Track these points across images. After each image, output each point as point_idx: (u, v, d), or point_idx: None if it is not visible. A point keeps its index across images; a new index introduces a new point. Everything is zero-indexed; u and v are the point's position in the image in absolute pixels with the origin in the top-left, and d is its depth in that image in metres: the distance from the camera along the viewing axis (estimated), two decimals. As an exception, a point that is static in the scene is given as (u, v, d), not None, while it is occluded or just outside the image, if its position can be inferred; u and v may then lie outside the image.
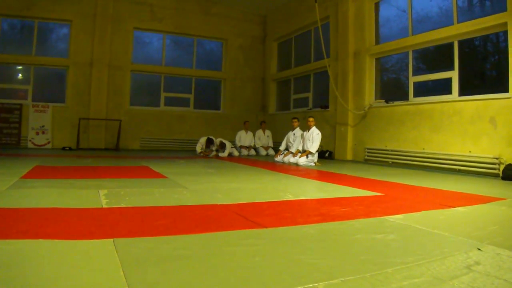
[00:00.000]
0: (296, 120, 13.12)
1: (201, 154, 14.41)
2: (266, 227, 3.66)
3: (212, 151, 14.47)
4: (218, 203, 4.81)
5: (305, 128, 12.25)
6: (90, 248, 2.84)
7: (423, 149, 11.47)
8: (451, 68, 11.12)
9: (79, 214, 3.97)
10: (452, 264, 2.72)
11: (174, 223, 3.72)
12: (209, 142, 14.57)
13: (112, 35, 16.84)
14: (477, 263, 2.74)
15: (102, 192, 5.19)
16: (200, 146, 14.67)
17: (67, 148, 15.35)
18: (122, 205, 4.45)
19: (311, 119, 12.10)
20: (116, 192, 5.28)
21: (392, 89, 13.55)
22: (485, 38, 10.64)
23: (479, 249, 3.09)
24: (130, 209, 4.30)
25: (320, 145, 12.32)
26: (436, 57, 12.21)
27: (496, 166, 9.38)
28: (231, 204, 4.81)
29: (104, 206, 4.40)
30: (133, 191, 5.47)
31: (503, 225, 4.09)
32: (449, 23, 11.22)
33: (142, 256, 2.68)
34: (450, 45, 11.23)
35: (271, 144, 16.67)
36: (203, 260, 2.66)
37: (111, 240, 3.01)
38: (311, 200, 5.45)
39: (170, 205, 4.60)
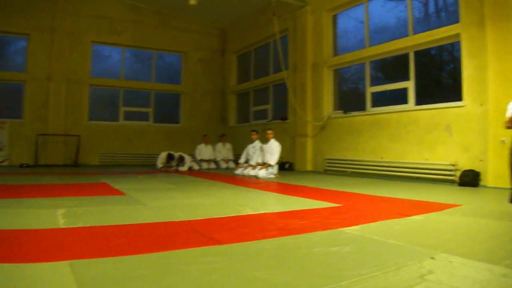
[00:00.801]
0: (254, 133, 13.14)
1: (162, 169, 14.30)
2: (224, 243, 3.63)
3: (172, 166, 14.38)
4: (177, 220, 4.77)
5: (265, 140, 12.29)
6: (46, 271, 2.76)
7: (381, 158, 11.63)
8: (407, 78, 11.33)
9: (36, 235, 3.86)
10: (406, 274, 2.75)
11: (132, 242, 3.66)
12: (170, 157, 14.47)
13: (70, 49, 16.61)
14: (430, 272, 2.78)
15: (60, 212, 5.07)
16: (160, 161, 14.57)
17: (25, 165, 14.96)
18: (80, 225, 4.35)
19: (269, 131, 12.16)
20: (74, 211, 5.16)
21: (351, 99, 13.74)
22: (441, 48, 10.90)
23: (432, 258, 3.14)
24: (87, 228, 4.21)
25: (280, 157, 12.36)
26: (394, 67, 12.45)
27: (453, 172, 9.59)
28: (189, 220, 4.76)
29: (62, 226, 4.29)
30: (91, 210, 5.36)
31: (456, 232, 4.17)
32: (406, 34, 11.45)
33: (99, 278, 2.63)
34: (406, 56, 11.45)
35: (231, 157, 16.65)
36: (160, 280, 2.62)
37: (68, 262, 2.93)
38: (269, 214, 5.45)
39: (128, 224, 4.52)
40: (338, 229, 4.27)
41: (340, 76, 14.39)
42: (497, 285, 2.54)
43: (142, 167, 15.95)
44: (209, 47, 20.34)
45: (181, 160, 14.39)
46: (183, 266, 2.93)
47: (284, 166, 14.58)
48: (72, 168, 14.86)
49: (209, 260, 3.08)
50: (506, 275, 2.74)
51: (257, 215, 5.28)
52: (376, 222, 4.68)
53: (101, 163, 17.06)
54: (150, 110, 18.88)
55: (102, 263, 2.98)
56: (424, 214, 5.20)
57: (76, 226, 4.32)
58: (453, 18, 10.31)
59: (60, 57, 16.35)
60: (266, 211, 5.62)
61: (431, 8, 11.63)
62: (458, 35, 9.90)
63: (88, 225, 4.36)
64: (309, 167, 14.32)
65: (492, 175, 8.88)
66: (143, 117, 18.73)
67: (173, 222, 4.66)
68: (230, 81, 20.31)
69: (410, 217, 5.02)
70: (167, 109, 19.86)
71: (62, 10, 16.43)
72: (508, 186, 8.55)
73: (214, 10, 17.99)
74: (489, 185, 8.85)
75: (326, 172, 13.48)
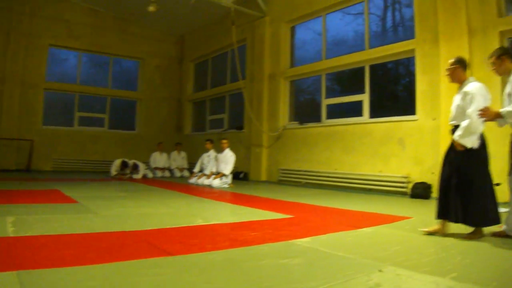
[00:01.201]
0: (209, 142, 13.07)
1: (116, 176, 14.10)
2: (173, 254, 3.57)
3: (126, 174, 14.20)
4: (128, 230, 4.67)
5: (220, 149, 12.24)
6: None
7: (336, 169, 11.73)
8: (363, 91, 11.49)
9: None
10: (353, 287, 2.76)
11: (81, 252, 3.56)
12: (124, 165, 14.29)
13: (26, 51, 16.19)
14: (378, 285, 2.80)
15: (9, 220, 4.90)
16: (114, 168, 14.36)
17: (-26, 170, 14.57)
18: (29, 234, 4.22)
19: (224, 141, 12.14)
20: (24, 219, 5.02)
21: (307, 110, 13.84)
22: (398, 61, 11.09)
23: (380, 271, 3.15)
24: (37, 237, 4.08)
25: (235, 167, 12.34)
26: (350, 80, 12.61)
27: (405, 184, 9.77)
28: (140, 230, 4.68)
29: (11, 235, 4.16)
30: (41, 218, 5.22)
31: (405, 245, 4.22)
32: (364, 47, 11.63)
33: (45, 290, 2.56)
34: (362, 69, 11.63)
35: (186, 166, 16.53)
36: (106, 291, 2.57)
37: (16, 272, 2.84)
38: (221, 224, 5.40)
39: (79, 233, 4.41)
40: (288, 241, 4.26)
41: (297, 87, 14.49)
42: (442, 299, 2.57)
43: (96, 173, 15.66)
44: (167, 54, 20.22)
45: (135, 167, 14.22)
46: (131, 278, 2.86)
47: (239, 175, 14.56)
48: (24, 173, 14.47)
49: (158, 271, 3.03)
50: (451, 287, 2.77)
51: (208, 225, 5.23)
52: (326, 234, 4.69)
53: (54, 168, 16.66)
54: (105, 116, 18.58)
55: (50, 273, 2.90)
56: (375, 226, 5.25)
57: (26, 235, 4.19)
58: (410, 33, 10.54)
59: (15, 59, 15.92)
60: (218, 222, 5.57)
61: (389, 23, 11.83)
62: (413, 50, 10.13)
63: (37, 234, 4.24)
64: (263, 177, 14.33)
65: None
66: (99, 123, 18.41)
67: (123, 232, 4.57)
68: (187, 89, 20.21)
69: (361, 229, 5.05)
70: (123, 116, 19.60)
71: (18, 11, 16.04)
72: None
73: (173, 18, 17.91)
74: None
75: (280, 182, 13.52)
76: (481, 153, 4.67)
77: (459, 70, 5.00)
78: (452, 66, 5.00)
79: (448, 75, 5.08)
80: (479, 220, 4.54)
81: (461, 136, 4.58)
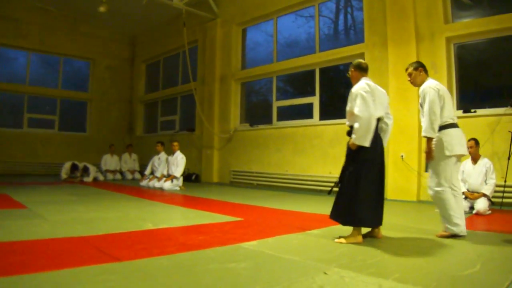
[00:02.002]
0: (159, 144, 12.95)
1: (66, 179, 13.85)
2: (121, 260, 3.54)
3: (77, 177, 13.96)
4: (77, 236, 4.59)
5: (171, 152, 12.16)
6: None
7: (286, 171, 11.83)
8: (313, 93, 11.60)
9: None
10: (297, 290, 2.79)
11: (28, 260, 3.48)
12: (74, 167, 14.04)
13: (-29, 50, 15.74)
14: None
15: (-49, 227, 4.81)
16: (64, 171, 14.09)
17: None
18: (-26, 241, 4.13)
19: (175, 143, 12.05)
20: (-31, 226, 4.90)
21: (259, 112, 13.91)
22: (348, 64, 11.19)
23: (325, 273, 3.19)
24: (-18, 245, 4.00)
25: (187, 168, 12.31)
26: (302, 82, 12.71)
27: (354, 186, 9.87)
28: (89, 236, 4.61)
29: (-47, 242, 4.06)
30: (-13, 224, 5.10)
31: (351, 247, 4.27)
32: (314, 50, 11.75)
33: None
34: (313, 72, 11.74)
35: (137, 168, 16.35)
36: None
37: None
38: (171, 228, 5.37)
39: (27, 239, 4.32)
40: (236, 244, 4.27)
41: (250, 88, 14.56)
42: (383, 300, 2.62)
43: (47, 176, 15.33)
44: (118, 54, 19.97)
45: (85, 170, 13.98)
46: (79, 286, 2.84)
47: (191, 177, 14.52)
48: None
49: (105, 278, 3.00)
50: (393, 289, 2.84)
51: (158, 230, 5.19)
52: (274, 237, 4.72)
53: (3, 172, 16.16)
54: (55, 117, 18.18)
55: (-5, 282, 2.84)
56: (323, 228, 5.32)
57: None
58: (361, 37, 10.71)
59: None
60: (168, 226, 5.53)
61: (341, 26, 11.98)
62: (362, 54, 10.30)
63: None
64: (215, 178, 14.32)
65: (391, 188, 9.26)
66: (49, 124, 18.00)
67: (72, 238, 4.48)
68: (138, 90, 20.02)
69: (309, 231, 5.11)
70: (74, 117, 19.21)
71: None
72: (406, 198, 8.99)
73: (124, 18, 17.68)
74: (389, 198, 9.19)
75: (232, 184, 13.54)
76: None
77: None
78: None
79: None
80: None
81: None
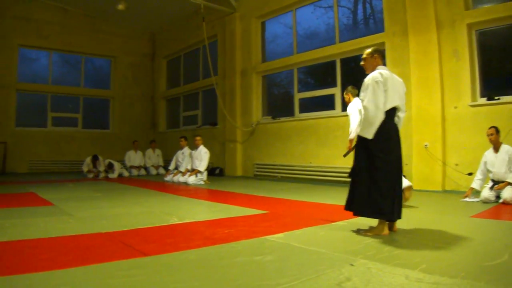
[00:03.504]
0: (183, 139, 12.98)
1: (88, 173, 14.01)
2: (148, 255, 3.58)
3: (99, 171, 14.10)
4: (103, 231, 4.65)
5: (194, 146, 12.21)
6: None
7: (310, 163, 11.81)
8: (335, 84, 11.56)
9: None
10: (324, 282, 2.79)
11: (57, 256, 3.55)
12: (95, 159, 14.20)
13: (-5, 52, 15.99)
14: (348, 279, 2.84)
15: (-16, 225, 4.89)
16: (86, 166, 14.27)
17: None
18: (5, 239, 4.19)
19: (198, 138, 12.08)
20: (0, 224, 4.99)
21: (281, 104, 13.88)
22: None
23: (351, 265, 3.20)
24: (13, 243, 4.06)
25: (210, 163, 12.34)
26: (323, 73, 12.65)
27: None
28: (116, 231, 4.67)
29: (-14, 241, 4.14)
30: (17, 222, 5.17)
31: (377, 238, 4.27)
32: (334, 41, 11.70)
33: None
34: (334, 63, 11.69)
35: (161, 163, 16.45)
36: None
37: (-9, 278, 2.83)
38: (196, 222, 5.40)
39: (55, 236, 4.38)
40: (262, 237, 4.30)
41: (271, 81, 14.54)
42: (411, 291, 2.61)
43: (72, 174, 15.50)
44: (139, 51, 20.08)
45: (110, 167, 14.11)
46: (107, 280, 2.88)
47: (215, 171, 14.57)
48: (-2, 176, 14.29)
49: (133, 273, 3.05)
50: (421, 279, 2.83)
51: (183, 224, 5.23)
52: (300, 229, 4.73)
53: (30, 170, 16.44)
54: (79, 115, 18.39)
55: (26, 279, 2.90)
56: (348, 220, 5.29)
57: (1, 240, 4.15)
58: (380, 26, 10.62)
59: (-16, 60, 15.69)
60: (193, 220, 5.56)
61: (360, 16, 11.90)
62: (382, 44, 10.19)
63: (13, 239, 4.21)
64: (239, 172, 14.36)
65: (416, 178, 9.19)
66: (72, 122, 18.23)
67: (99, 234, 4.55)
68: (160, 86, 20.12)
69: (334, 223, 5.11)
70: (97, 115, 19.39)
71: (-14, 12, 15.79)
72: (431, 188, 8.92)
73: (143, 15, 17.79)
74: (414, 188, 9.10)
75: (256, 177, 13.57)
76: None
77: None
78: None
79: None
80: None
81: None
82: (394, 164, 4.52)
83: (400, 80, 4.80)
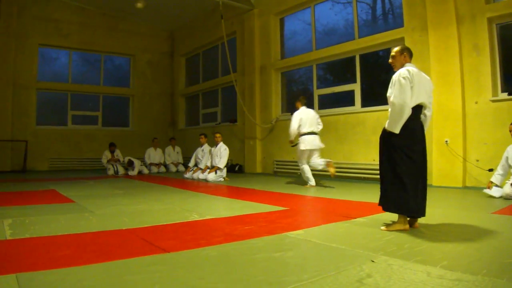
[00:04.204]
0: (203, 136, 13.05)
1: (110, 171, 14.18)
2: (169, 251, 3.61)
3: (118, 160, 14.31)
4: (124, 228, 4.70)
5: (214, 143, 12.26)
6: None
7: (329, 159, 11.76)
8: (355, 80, 11.52)
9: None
10: (344, 278, 2.79)
11: (78, 252, 3.60)
12: (112, 145, 14.49)
13: (16, 52, 16.09)
14: (369, 276, 2.84)
15: (7, 222, 4.93)
16: (105, 157, 14.54)
17: (-30, 172, 14.55)
18: (27, 236, 4.25)
19: (217, 135, 12.11)
20: (21, 221, 5.03)
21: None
22: (388, 49, 10.97)
23: (372, 261, 3.20)
24: (35, 239, 4.11)
25: (230, 160, 12.39)
26: (342, 69, 12.60)
27: (398, 173, 9.77)
28: (136, 228, 4.71)
29: (8, 237, 4.18)
30: (39, 219, 5.23)
31: (398, 234, 4.26)
32: (353, 37, 11.64)
33: (43, 291, 2.59)
34: (353, 58, 11.64)
35: (181, 160, 16.53)
36: (103, 291, 2.61)
37: (14, 275, 2.87)
38: (216, 219, 5.43)
39: (76, 233, 4.43)
40: (282, 234, 4.31)
41: (290, 77, 14.51)
42: (432, 287, 2.60)
43: (92, 171, 15.65)
44: (158, 49, 20.18)
45: (130, 164, 14.23)
46: (128, 276, 2.90)
47: (234, 168, 14.61)
48: (20, 174, 14.43)
49: (154, 269, 3.07)
50: (442, 276, 2.82)
51: (203, 220, 5.26)
52: (320, 226, 4.75)
53: (50, 168, 16.64)
54: (99, 113, 18.55)
55: (48, 275, 2.93)
56: (368, 216, 5.30)
57: (23, 237, 4.21)
58: (399, 21, 10.54)
59: (5, 60, 15.82)
60: (213, 217, 5.59)
61: (379, 11, 11.83)
62: (402, 39, 10.14)
63: (35, 236, 4.26)
64: (259, 169, 14.37)
65: (436, 175, 9.13)
66: (92, 121, 18.40)
67: (119, 230, 4.60)
68: (179, 83, 20.21)
69: (354, 220, 5.11)
70: (116, 113, 19.56)
71: (7, 12, 15.90)
72: (451, 184, 8.85)
73: (162, 13, 17.89)
74: (434, 184, 9.08)
75: (275, 174, 13.58)
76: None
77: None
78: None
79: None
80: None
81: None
82: (418, 160, 4.56)
83: (428, 78, 4.82)
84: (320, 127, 10.25)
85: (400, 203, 4.49)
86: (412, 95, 4.49)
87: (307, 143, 9.78)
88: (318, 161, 9.86)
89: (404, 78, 4.51)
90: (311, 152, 9.88)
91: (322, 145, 10.03)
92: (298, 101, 10.39)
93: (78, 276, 2.90)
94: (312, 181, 9.88)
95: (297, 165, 12.81)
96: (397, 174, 4.55)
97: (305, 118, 9.95)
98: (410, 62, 4.82)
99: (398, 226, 4.49)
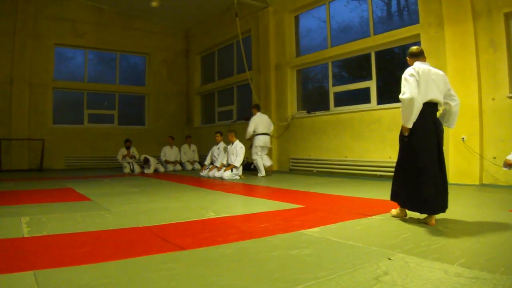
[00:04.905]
0: (218, 134, 13.08)
1: (126, 168, 14.30)
2: (185, 248, 3.63)
3: (134, 156, 14.42)
4: (140, 226, 4.73)
5: (229, 141, 12.28)
6: (9, 282, 2.73)
7: (345, 157, 11.75)
8: (370, 77, 11.47)
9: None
10: (361, 276, 2.79)
11: (95, 250, 3.63)
12: (128, 141, 14.68)
13: (32, 51, 16.25)
14: (386, 273, 2.84)
15: (24, 220, 4.99)
16: (120, 153, 14.64)
17: (-11, 171, 14.72)
18: (44, 233, 4.29)
19: (230, 133, 12.15)
20: (39, 219, 5.08)
21: (315, 98, 13.84)
22: (404, 46, 10.93)
23: (389, 259, 3.19)
24: (52, 237, 4.16)
25: (245, 158, 12.40)
26: (357, 66, 12.55)
27: (415, 170, 9.71)
28: (152, 226, 4.73)
29: (26, 235, 4.23)
30: (56, 217, 5.29)
31: (414, 232, 4.23)
32: (369, 33, 11.59)
33: (61, 288, 2.62)
34: (369, 56, 11.59)
35: (197, 158, 16.59)
36: (120, 288, 2.63)
37: (32, 272, 2.90)
38: (232, 217, 5.44)
39: (92, 230, 4.47)
40: (298, 231, 4.31)
41: (305, 75, 14.48)
42: (450, 285, 2.59)
43: (108, 170, 15.76)
44: (173, 48, 20.26)
45: (146, 162, 14.31)
46: (144, 274, 2.92)
47: (250, 166, 14.60)
48: (37, 173, 14.57)
49: (170, 266, 3.09)
50: (459, 274, 2.81)
51: (219, 218, 5.27)
52: (336, 223, 4.73)
53: (66, 167, 16.79)
54: (114, 112, 18.68)
55: (65, 272, 2.96)
56: (384, 214, 5.28)
57: (41, 234, 4.26)
58: (414, 18, 10.47)
59: (22, 60, 15.98)
60: (229, 214, 5.61)
61: (394, 8, 11.77)
62: (417, 35, 10.08)
63: (52, 233, 4.31)
64: (274, 166, 14.33)
65: (453, 172, 9.05)
66: (108, 119, 18.53)
67: (136, 228, 4.63)
68: (194, 82, 20.26)
69: (371, 217, 5.09)
70: (132, 111, 19.69)
71: (23, 12, 16.07)
72: (468, 182, 8.78)
73: (177, 11, 17.94)
74: (451, 181, 8.98)
75: (291, 171, 13.57)
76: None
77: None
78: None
79: None
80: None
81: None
82: (429, 157, 4.65)
83: (441, 73, 4.91)
84: (272, 128, 12.84)
85: (418, 201, 4.65)
86: (419, 92, 4.62)
87: (261, 141, 12.33)
88: (266, 159, 12.66)
89: (410, 75, 4.69)
90: (263, 148, 12.43)
91: (270, 146, 12.86)
92: (254, 108, 12.80)
93: (95, 274, 2.93)
94: (263, 172, 12.31)
95: (313, 163, 12.89)
96: (411, 172, 4.75)
97: (259, 122, 12.43)
98: (419, 60, 4.96)
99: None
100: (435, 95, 4.72)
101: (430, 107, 4.74)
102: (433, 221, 4.56)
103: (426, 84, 4.66)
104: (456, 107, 4.96)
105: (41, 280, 2.76)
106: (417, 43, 10.22)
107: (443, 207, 4.61)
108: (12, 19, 15.88)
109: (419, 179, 4.64)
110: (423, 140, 4.70)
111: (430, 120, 4.74)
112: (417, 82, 4.63)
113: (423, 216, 4.79)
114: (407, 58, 5.10)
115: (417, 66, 4.75)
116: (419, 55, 4.99)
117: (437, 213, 4.63)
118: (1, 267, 3.06)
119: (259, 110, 12.70)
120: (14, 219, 5.12)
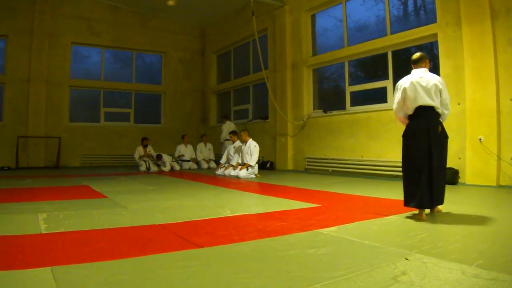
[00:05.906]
0: (231, 135, 13.14)
1: (142, 167, 14.37)
2: (202, 246, 3.65)
3: (151, 155, 14.49)
4: (157, 223, 4.77)
5: (243, 141, 12.28)
6: (27, 278, 2.76)
7: (361, 156, 11.71)
8: (387, 77, 11.42)
9: (17, 242, 3.85)
10: (379, 276, 2.80)
11: (112, 247, 3.67)
12: (145, 139, 14.88)
13: (49, 50, 16.40)
14: (404, 273, 2.83)
15: (41, 217, 5.04)
16: (138, 152, 14.72)
17: (6, 168, 14.86)
18: (61, 230, 4.34)
19: (243, 133, 12.17)
20: (56, 216, 5.14)
21: (331, 98, 13.81)
22: (420, 45, 10.85)
23: (406, 259, 3.19)
24: (69, 233, 4.20)
25: (261, 156, 12.44)
26: (374, 66, 12.51)
27: (431, 171, 9.66)
28: (169, 223, 4.77)
29: (43, 231, 4.27)
30: (72, 214, 5.34)
31: (431, 232, 4.22)
32: (385, 33, 11.54)
33: (80, 284, 2.65)
34: (385, 55, 11.55)
35: (212, 157, 16.64)
36: (139, 285, 2.65)
37: (50, 268, 2.94)
38: (249, 215, 5.46)
39: (109, 228, 4.52)
40: (315, 230, 4.32)
41: (321, 75, 14.46)
42: (468, 286, 2.58)
43: (124, 168, 15.87)
44: (189, 47, 20.31)
45: (159, 158, 14.41)
46: (161, 271, 2.94)
47: (266, 165, 14.62)
48: (53, 170, 14.70)
49: (187, 264, 3.11)
50: (477, 275, 2.79)
51: (236, 216, 5.31)
52: (353, 223, 4.73)
53: (83, 164, 16.93)
54: (130, 110, 18.79)
55: (83, 268, 2.99)
56: (401, 214, 5.26)
57: (58, 231, 4.30)
58: (431, 17, 10.40)
59: (39, 58, 16.14)
60: (245, 213, 5.63)
61: (410, 7, 11.70)
62: (435, 35, 10.00)
63: (69, 230, 4.35)
64: (290, 166, 14.36)
65: (470, 172, 8.99)
66: (124, 117, 18.65)
67: (152, 226, 4.66)
68: (210, 81, 20.30)
69: (387, 217, 5.08)
70: (148, 110, 19.77)
71: (40, 11, 16.22)
72: (485, 183, 8.70)
73: (193, 10, 18.00)
74: (468, 182, 8.96)
75: (307, 171, 13.55)
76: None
77: None
78: None
79: None
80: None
81: None
82: (417, 154, 5.09)
83: (435, 80, 5.24)
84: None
85: (407, 197, 5.17)
86: (406, 101, 5.26)
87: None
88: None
89: (395, 90, 5.51)
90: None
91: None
92: (225, 118, 15.98)
93: (112, 270, 2.96)
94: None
95: (329, 162, 12.89)
96: (404, 170, 5.35)
97: (230, 128, 14.57)
98: (415, 67, 5.52)
99: (418, 216, 5.03)
100: (425, 101, 5.12)
101: (423, 111, 5.15)
102: (423, 217, 4.90)
103: (414, 93, 5.15)
104: (446, 116, 5.37)
105: (58, 276, 2.79)
106: (435, 43, 10.18)
107: (430, 203, 4.99)
108: (30, 18, 16.05)
109: (405, 175, 5.26)
110: (414, 139, 5.14)
111: (423, 121, 5.13)
112: (400, 97, 5.31)
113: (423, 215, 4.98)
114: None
115: (405, 78, 5.37)
116: (416, 62, 5.50)
117: (424, 208, 4.97)
118: (19, 263, 3.11)
119: (229, 119, 15.72)
120: (31, 215, 5.18)
